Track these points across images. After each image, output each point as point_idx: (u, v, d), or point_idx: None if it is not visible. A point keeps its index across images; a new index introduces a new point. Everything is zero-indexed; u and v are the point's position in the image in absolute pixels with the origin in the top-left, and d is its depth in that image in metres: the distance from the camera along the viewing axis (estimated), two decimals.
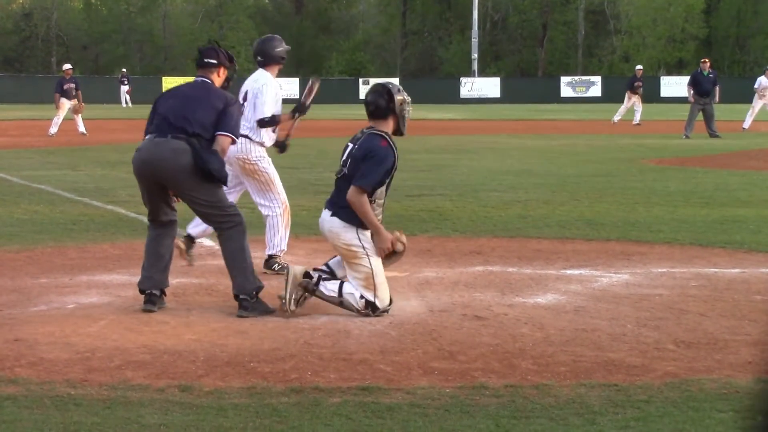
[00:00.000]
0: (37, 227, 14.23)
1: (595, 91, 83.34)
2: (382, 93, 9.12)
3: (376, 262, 8.98)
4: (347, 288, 8.94)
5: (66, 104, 37.14)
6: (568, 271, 10.94)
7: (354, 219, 8.90)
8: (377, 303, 8.90)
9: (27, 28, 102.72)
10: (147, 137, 9.12)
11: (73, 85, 37.67)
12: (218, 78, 9.42)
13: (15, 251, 12.29)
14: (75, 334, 8.26)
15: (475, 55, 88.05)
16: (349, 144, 9.20)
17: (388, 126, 9.13)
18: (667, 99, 75.98)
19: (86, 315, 8.94)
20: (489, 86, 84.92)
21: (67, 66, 39.71)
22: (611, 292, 9.86)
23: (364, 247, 8.93)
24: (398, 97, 9.09)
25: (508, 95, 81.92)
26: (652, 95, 78.51)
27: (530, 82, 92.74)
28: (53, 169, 23.73)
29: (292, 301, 8.88)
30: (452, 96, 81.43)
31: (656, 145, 31.96)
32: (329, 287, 8.96)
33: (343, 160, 9.13)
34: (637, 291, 9.93)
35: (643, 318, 8.79)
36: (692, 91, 35.91)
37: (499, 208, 16.29)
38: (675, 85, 76.73)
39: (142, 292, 9.17)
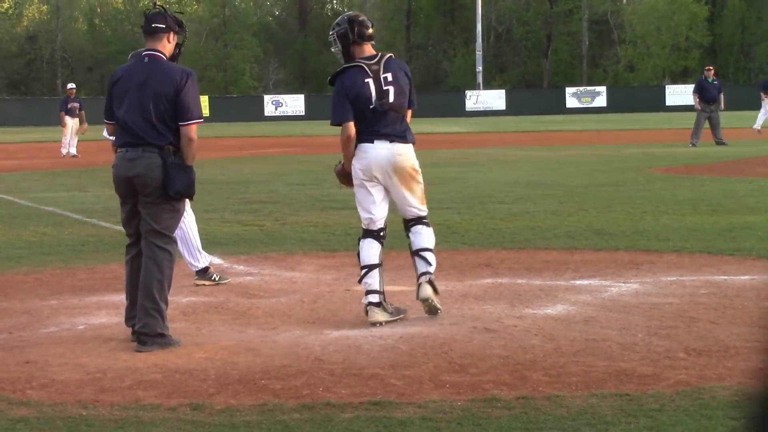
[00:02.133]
0: (46, 249, 14.24)
1: (601, 101, 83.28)
2: (365, 19, 9.51)
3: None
4: (427, 241, 9.46)
5: (70, 122, 37.30)
6: (578, 282, 10.94)
7: (413, 143, 9.49)
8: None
9: (32, 50, 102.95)
10: (119, 152, 8.84)
11: (77, 105, 37.87)
12: (168, 45, 8.94)
13: (24, 273, 12.30)
14: (85, 354, 8.27)
15: (479, 68, 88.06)
16: (368, 80, 9.32)
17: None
18: (673, 107, 76.01)
19: (96, 336, 8.95)
20: (494, 98, 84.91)
21: (71, 85, 39.97)
22: (621, 302, 9.85)
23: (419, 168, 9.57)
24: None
25: (514, 107, 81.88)
26: (657, 104, 78.71)
27: (535, 94, 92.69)
28: (60, 191, 23.77)
29: (436, 302, 9.29)
30: (458, 109, 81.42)
31: (663, 154, 31.97)
32: (432, 260, 9.44)
33: (378, 94, 9.27)
34: (647, 300, 9.92)
35: (653, 327, 8.78)
36: (698, 99, 35.89)
37: (507, 220, 16.29)
38: (680, 94, 76.70)
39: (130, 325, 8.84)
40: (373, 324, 9.01)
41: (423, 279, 9.30)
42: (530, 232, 14.81)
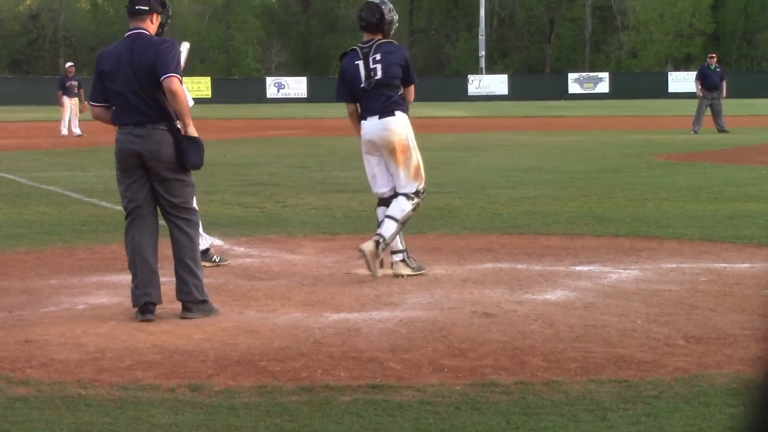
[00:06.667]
0: (46, 228, 14.25)
1: (603, 87, 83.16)
2: (374, 11, 10.23)
3: (419, 155, 10.35)
4: (393, 210, 10.17)
5: (68, 102, 37.14)
6: (578, 268, 10.94)
7: (406, 113, 10.19)
8: (421, 187, 10.34)
9: (34, 29, 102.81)
10: (125, 128, 8.85)
11: (75, 83, 37.71)
12: (152, 25, 9.01)
13: (24, 252, 12.31)
14: (85, 334, 8.28)
15: (482, 53, 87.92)
16: (359, 62, 10.24)
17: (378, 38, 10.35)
18: (675, 94, 75.89)
19: (96, 315, 8.95)
20: (496, 83, 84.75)
21: (69, 64, 39.87)
22: (621, 288, 9.85)
23: (413, 140, 10.25)
24: (387, 17, 10.26)
25: (516, 92, 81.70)
26: (659, 90, 78.60)
27: (538, 79, 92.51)
28: (62, 171, 23.78)
29: (377, 270, 10.08)
30: (460, 94, 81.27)
31: (665, 141, 31.94)
32: (386, 227, 10.11)
33: (366, 74, 10.17)
34: (647, 287, 9.92)
35: (652, 314, 8.78)
36: (700, 86, 35.83)
37: (508, 205, 16.29)
38: (683, 81, 76.55)
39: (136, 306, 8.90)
40: (397, 276, 10.18)
41: (375, 237, 10.15)
42: (531, 218, 14.81)
